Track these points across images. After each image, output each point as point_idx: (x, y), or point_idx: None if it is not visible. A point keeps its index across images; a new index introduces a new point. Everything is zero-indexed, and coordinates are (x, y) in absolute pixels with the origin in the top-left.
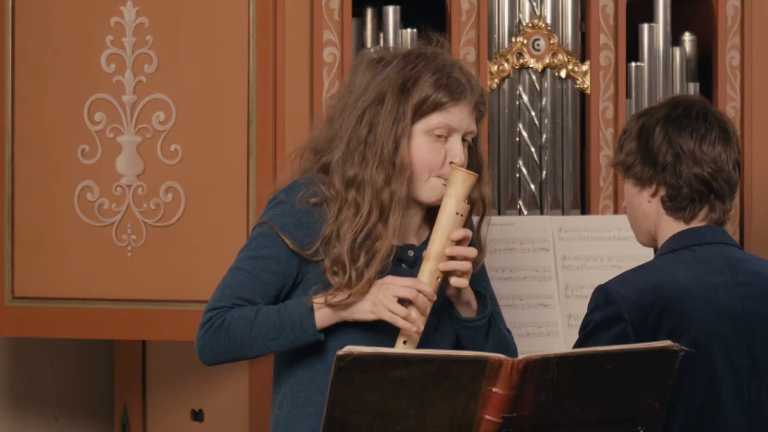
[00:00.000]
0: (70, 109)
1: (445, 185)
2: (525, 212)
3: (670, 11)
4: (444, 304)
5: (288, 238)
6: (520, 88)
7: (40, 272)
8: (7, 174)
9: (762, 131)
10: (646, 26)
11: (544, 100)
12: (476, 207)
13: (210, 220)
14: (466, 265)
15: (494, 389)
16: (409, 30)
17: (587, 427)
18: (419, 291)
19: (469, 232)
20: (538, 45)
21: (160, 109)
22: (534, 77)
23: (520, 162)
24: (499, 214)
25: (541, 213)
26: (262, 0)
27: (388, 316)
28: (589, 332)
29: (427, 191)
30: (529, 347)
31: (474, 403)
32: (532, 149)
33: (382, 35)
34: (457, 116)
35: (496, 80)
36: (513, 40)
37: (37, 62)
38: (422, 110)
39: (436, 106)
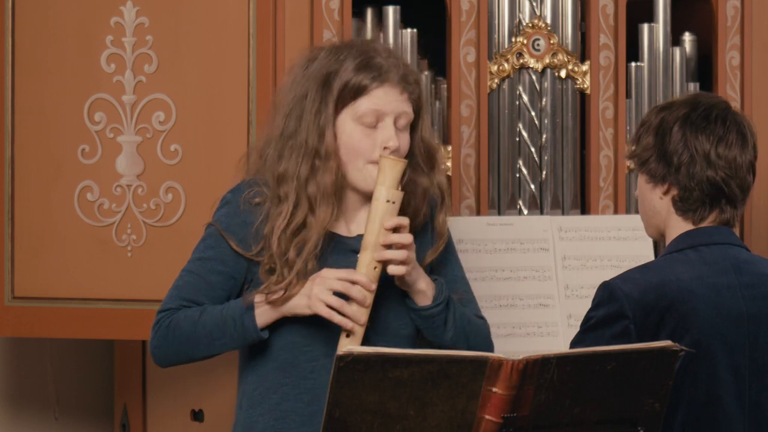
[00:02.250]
0: (70, 109)
1: None
2: (525, 212)
3: (670, 11)
4: (398, 299)
5: (232, 239)
6: (520, 88)
7: (40, 272)
8: (7, 174)
9: (762, 131)
10: (646, 26)
11: (544, 100)
12: (432, 196)
13: (210, 220)
14: (402, 254)
15: (494, 389)
16: (409, 30)
17: (587, 427)
18: (354, 282)
19: (403, 220)
20: (538, 45)
21: (160, 109)
22: (534, 77)
23: (520, 162)
24: (499, 214)
25: (541, 213)
26: (262, 0)
27: (323, 311)
28: (590, 327)
29: (363, 179)
30: (529, 347)
31: (474, 403)
32: (532, 149)
33: (382, 35)
34: (383, 99)
35: (496, 80)
36: (513, 40)
37: (37, 62)
38: (345, 96)
39: (360, 90)
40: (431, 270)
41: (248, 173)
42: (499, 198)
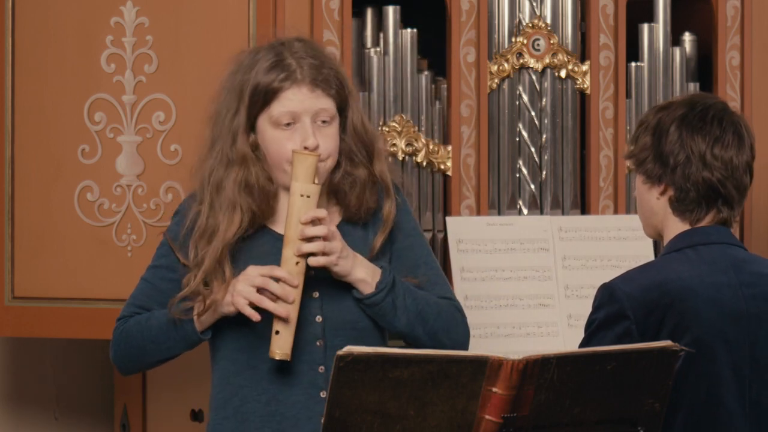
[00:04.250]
0: (70, 109)
1: None
2: (525, 212)
3: (670, 11)
4: (347, 292)
5: (179, 249)
6: (520, 88)
7: (40, 272)
8: (7, 174)
9: (762, 131)
10: (646, 26)
11: (544, 100)
12: (374, 185)
13: None
14: (318, 246)
15: (494, 389)
16: (409, 30)
17: (587, 427)
18: (276, 278)
19: (320, 212)
20: (538, 45)
21: (160, 109)
22: (534, 77)
23: (520, 162)
24: (499, 214)
25: (541, 213)
26: (262, 0)
27: (245, 309)
28: (593, 330)
29: (289, 179)
30: (529, 347)
31: (474, 403)
32: (532, 149)
33: (382, 35)
34: (294, 99)
35: (496, 80)
36: (513, 40)
37: (37, 62)
38: (258, 101)
39: (271, 94)
40: (392, 259)
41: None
42: (499, 198)
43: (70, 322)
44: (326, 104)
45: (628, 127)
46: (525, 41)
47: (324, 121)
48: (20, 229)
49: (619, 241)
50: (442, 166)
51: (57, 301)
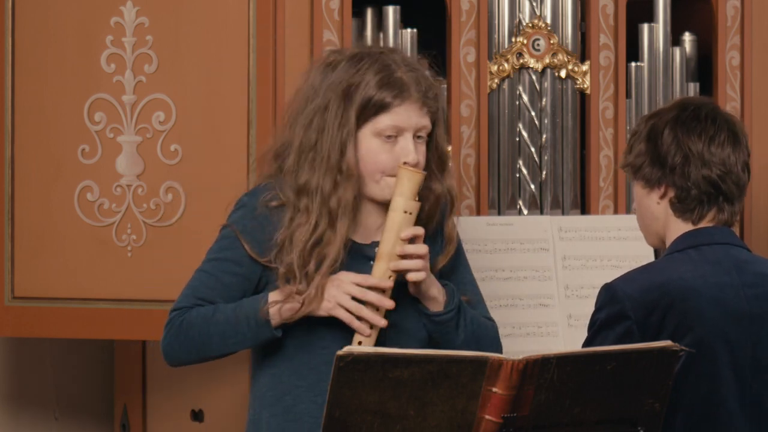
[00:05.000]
0: (70, 109)
1: None
2: (525, 212)
3: (670, 11)
4: (410, 303)
5: (248, 242)
6: (520, 88)
7: (40, 272)
8: (7, 174)
9: (762, 131)
10: (646, 26)
11: (544, 100)
12: (443, 200)
13: (210, 220)
14: (418, 263)
15: (494, 389)
16: (409, 30)
17: (587, 427)
18: (369, 287)
19: (419, 230)
20: (538, 45)
21: (160, 109)
22: (534, 77)
23: (520, 162)
24: (499, 214)
25: (541, 213)
26: (262, 0)
27: (343, 316)
28: (595, 330)
29: (380, 191)
30: (529, 347)
31: (474, 403)
32: (532, 149)
33: (382, 35)
34: (404, 115)
35: (496, 80)
36: (513, 40)
37: (37, 62)
38: (367, 113)
39: (381, 108)
40: (441, 275)
41: (262, 177)
42: (499, 198)
43: (70, 322)
44: (427, 122)
45: (628, 127)
46: (525, 41)
47: (420, 137)
48: (20, 229)
49: (619, 241)
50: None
51: (57, 301)
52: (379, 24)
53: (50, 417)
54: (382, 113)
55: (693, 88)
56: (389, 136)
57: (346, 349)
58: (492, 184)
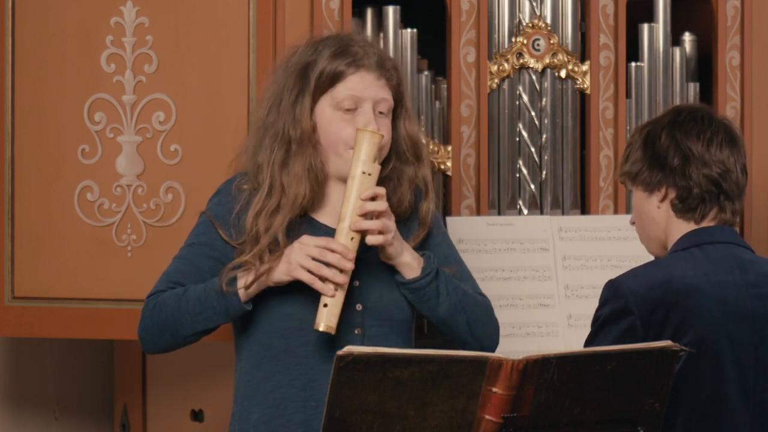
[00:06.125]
0: (70, 109)
1: None
2: (525, 212)
3: (670, 11)
4: (390, 278)
5: (221, 226)
6: (520, 88)
7: (40, 272)
8: (7, 174)
9: (762, 131)
10: (646, 26)
11: (544, 100)
12: (417, 186)
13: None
14: (377, 223)
15: (494, 389)
16: (409, 30)
17: (587, 427)
18: (330, 250)
19: (379, 190)
20: (538, 45)
21: (160, 109)
22: (534, 77)
23: (520, 162)
24: (499, 214)
25: (541, 213)
26: (262, 0)
27: (304, 276)
28: (599, 325)
29: (344, 163)
30: (529, 347)
31: (474, 403)
32: (532, 149)
33: (382, 35)
34: (359, 84)
35: (496, 80)
36: (513, 40)
37: (37, 62)
38: (322, 84)
39: (336, 77)
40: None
41: (240, 167)
42: (499, 198)
43: (70, 322)
44: (387, 95)
45: (628, 127)
46: (525, 41)
47: (381, 112)
48: (20, 229)
49: (619, 241)
50: (442, 166)
51: (57, 301)
52: (379, 24)
53: (50, 417)
54: (338, 83)
55: (693, 88)
56: (348, 109)
57: (346, 348)
58: (492, 184)
